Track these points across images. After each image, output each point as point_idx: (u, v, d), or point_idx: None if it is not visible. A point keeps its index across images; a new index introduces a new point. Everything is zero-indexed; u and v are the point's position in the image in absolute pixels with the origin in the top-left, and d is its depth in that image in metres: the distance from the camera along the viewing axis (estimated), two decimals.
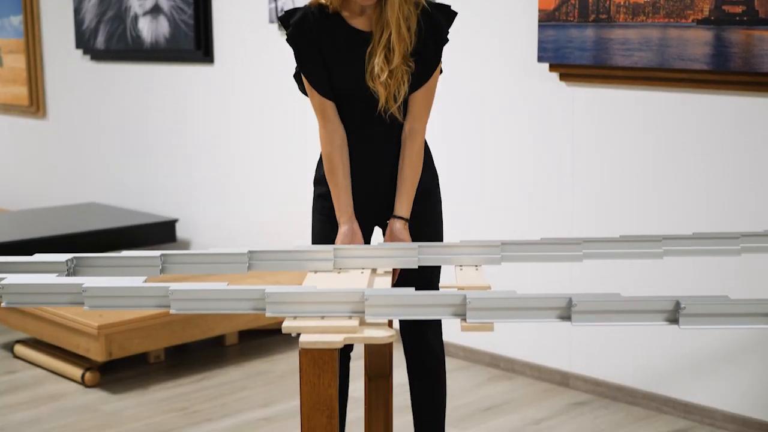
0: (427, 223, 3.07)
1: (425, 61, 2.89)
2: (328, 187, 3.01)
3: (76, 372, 4.44)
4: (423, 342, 3.13)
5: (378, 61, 2.82)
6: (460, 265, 2.79)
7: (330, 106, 2.93)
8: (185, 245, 5.94)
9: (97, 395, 4.32)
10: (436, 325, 3.15)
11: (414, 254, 2.78)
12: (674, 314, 2.25)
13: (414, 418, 3.25)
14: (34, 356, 4.71)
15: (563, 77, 4.16)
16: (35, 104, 6.91)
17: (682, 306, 2.21)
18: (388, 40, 2.82)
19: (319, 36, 2.88)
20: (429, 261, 2.81)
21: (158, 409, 4.14)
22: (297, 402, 4.13)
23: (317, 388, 2.24)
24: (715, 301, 2.22)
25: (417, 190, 2.99)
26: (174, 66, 5.86)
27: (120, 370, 4.62)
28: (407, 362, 3.19)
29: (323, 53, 2.89)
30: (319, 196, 3.07)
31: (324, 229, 3.06)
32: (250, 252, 2.75)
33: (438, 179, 3.11)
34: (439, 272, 3.08)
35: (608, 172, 4.08)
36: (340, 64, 2.89)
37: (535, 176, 4.32)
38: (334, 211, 3.00)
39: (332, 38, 2.88)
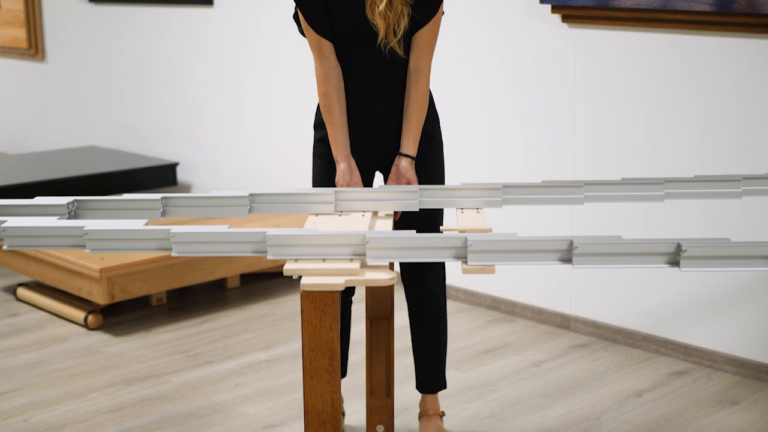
0: (429, 166, 3.07)
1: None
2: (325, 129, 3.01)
3: (79, 315, 4.46)
4: (424, 286, 3.15)
5: None
6: (461, 208, 2.80)
7: (327, 44, 2.92)
8: (186, 189, 5.94)
9: (100, 338, 4.35)
10: (438, 269, 3.16)
11: (415, 197, 2.78)
12: (675, 257, 2.25)
13: (415, 361, 3.27)
14: (37, 299, 4.73)
15: (565, 19, 4.12)
16: (34, 47, 6.87)
17: (683, 248, 2.22)
18: None
19: None
20: (430, 204, 2.81)
21: (160, 352, 4.17)
22: (299, 344, 4.15)
23: (319, 330, 2.26)
24: (716, 243, 2.23)
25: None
26: (173, 8, 5.81)
27: (122, 313, 4.64)
28: (408, 305, 3.21)
29: None
30: (319, 140, 3.07)
31: (324, 173, 3.06)
32: (251, 195, 2.76)
33: (439, 122, 3.11)
34: (443, 214, 3.09)
35: (610, 114, 4.07)
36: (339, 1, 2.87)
37: (536, 119, 4.31)
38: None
39: None
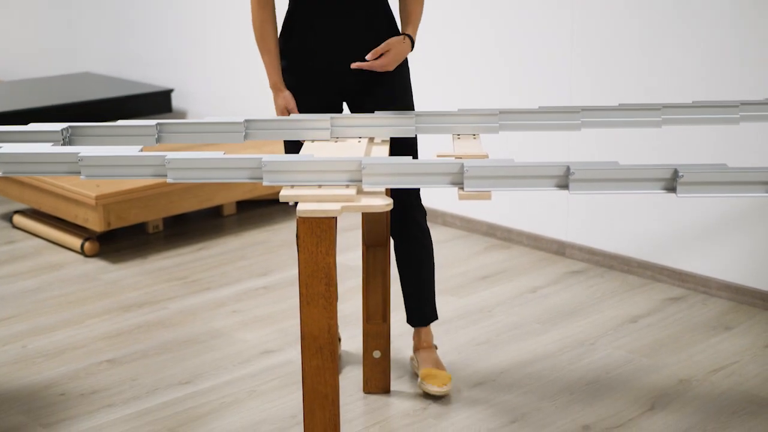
0: (403, 89, 3.02)
1: None
2: (289, 59, 2.97)
3: (76, 242, 4.47)
4: (410, 218, 3.11)
5: None
6: (458, 134, 2.78)
7: None
8: (181, 116, 5.91)
9: (97, 265, 4.36)
10: (419, 199, 3.13)
11: (411, 123, 2.76)
12: (672, 182, 2.24)
13: (405, 296, 3.23)
14: (33, 226, 4.73)
15: None
16: None
17: (680, 174, 2.21)
18: None
19: None
20: (426, 130, 2.80)
21: (158, 278, 4.18)
22: (295, 271, 4.17)
23: (315, 256, 2.26)
24: (713, 169, 2.22)
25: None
26: None
27: (119, 240, 4.64)
28: (395, 241, 3.16)
29: None
30: (284, 70, 3.02)
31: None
32: (247, 121, 2.74)
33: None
34: (416, 143, 3.06)
35: (608, 38, 4.03)
36: None
37: (533, 43, 4.27)
38: (298, 80, 2.97)
39: None
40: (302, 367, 2.32)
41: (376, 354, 3.13)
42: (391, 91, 3.00)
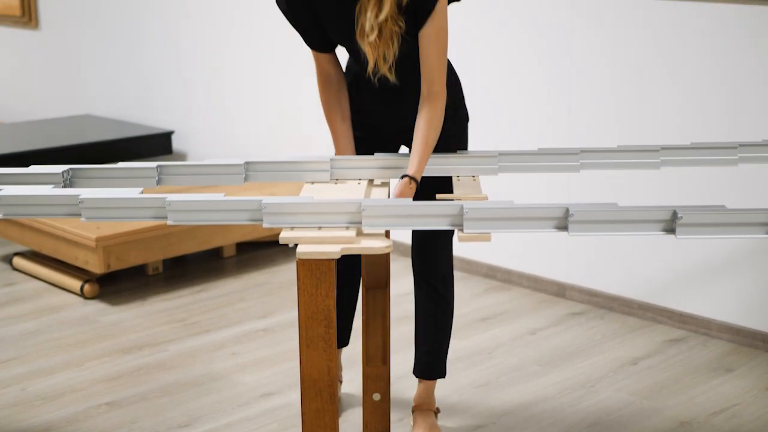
0: (458, 131, 2.95)
1: (418, 13, 2.64)
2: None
3: (75, 284, 4.46)
4: (436, 269, 3.03)
5: (368, 18, 2.60)
6: (458, 176, 2.79)
7: (323, 56, 2.83)
8: (181, 157, 5.93)
9: (97, 307, 4.35)
10: (449, 251, 3.03)
11: None
12: (671, 224, 2.25)
13: (416, 346, 3.15)
14: (33, 268, 4.73)
15: None
16: (27, 14, 6.82)
17: (679, 216, 2.22)
18: None
19: None
20: (425, 171, 2.79)
21: (157, 321, 4.17)
22: (295, 313, 4.16)
23: (315, 298, 2.26)
24: (712, 210, 2.23)
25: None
26: None
27: (119, 282, 4.64)
28: (416, 289, 3.08)
29: (314, 10, 2.71)
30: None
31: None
32: (247, 163, 2.75)
33: (463, 97, 2.97)
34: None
35: (607, 80, 4.05)
36: (331, 21, 2.71)
37: (532, 85, 4.29)
38: (363, 131, 2.93)
39: None
40: (302, 409, 2.31)
41: (376, 397, 3.12)
42: (447, 130, 2.81)
